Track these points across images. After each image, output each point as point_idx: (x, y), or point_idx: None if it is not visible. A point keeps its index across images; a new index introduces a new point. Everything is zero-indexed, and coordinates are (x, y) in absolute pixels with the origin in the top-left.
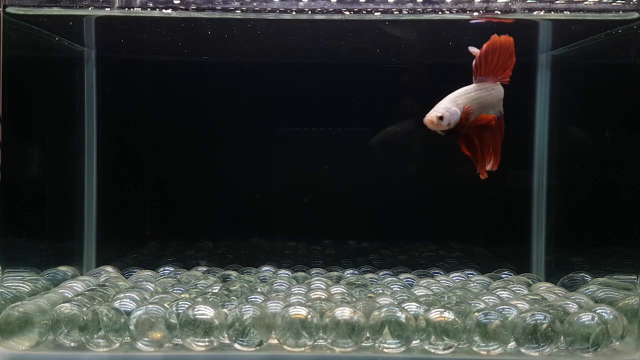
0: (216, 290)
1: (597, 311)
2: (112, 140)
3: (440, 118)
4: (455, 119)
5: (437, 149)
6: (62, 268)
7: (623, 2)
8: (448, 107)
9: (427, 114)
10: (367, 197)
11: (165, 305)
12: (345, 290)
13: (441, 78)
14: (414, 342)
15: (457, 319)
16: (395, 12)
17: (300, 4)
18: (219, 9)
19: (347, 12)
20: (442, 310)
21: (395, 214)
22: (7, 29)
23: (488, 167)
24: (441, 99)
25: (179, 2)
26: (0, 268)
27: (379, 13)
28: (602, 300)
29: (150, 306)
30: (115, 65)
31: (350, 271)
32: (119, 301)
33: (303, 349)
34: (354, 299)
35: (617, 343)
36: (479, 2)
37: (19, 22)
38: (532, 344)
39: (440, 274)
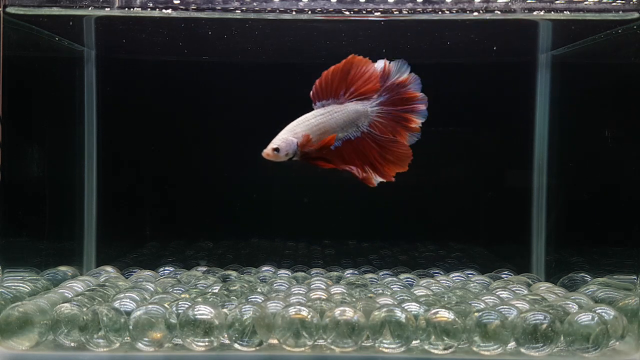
0: (216, 291)
1: (597, 311)
2: (112, 140)
3: (276, 150)
4: (294, 149)
5: (437, 149)
6: (62, 268)
7: (623, 2)
8: (285, 137)
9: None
10: (367, 197)
11: (165, 305)
12: (345, 291)
13: (441, 78)
14: (414, 342)
15: (457, 319)
16: (395, 12)
17: (300, 4)
18: (219, 9)
19: (347, 12)
20: (442, 310)
21: (395, 214)
22: (7, 29)
23: (377, 178)
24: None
25: (178, 2)
26: (0, 268)
27: (379, 13)
28: (602, 300)
29: (150, 306)
30: (115, 65)
31: (350, 271)
32: (119, 301)
33: (303, 349)
34: (354, 299)
35: (617, 343)
36: (479, 2)
37: (19, 22)
38: (532, 344)
39: (440, 274)
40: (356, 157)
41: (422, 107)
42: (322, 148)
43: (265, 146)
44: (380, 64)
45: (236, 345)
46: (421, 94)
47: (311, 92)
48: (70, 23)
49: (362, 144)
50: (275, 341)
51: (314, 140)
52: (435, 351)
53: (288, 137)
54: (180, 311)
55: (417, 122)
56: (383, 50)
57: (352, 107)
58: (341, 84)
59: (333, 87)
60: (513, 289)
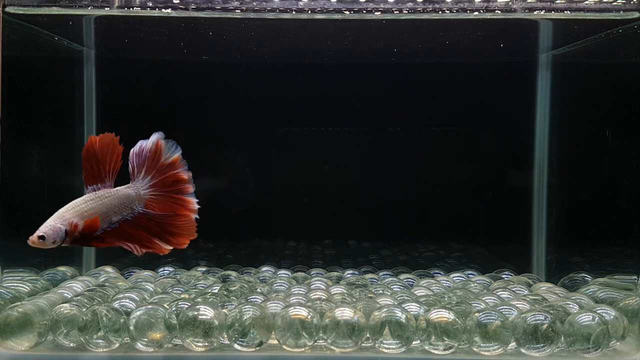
0: (216, 291)
1: (598, 311)
2: None
3: (42, 237)
4: (61, 236)
5: (437, 149)
6: (62, 268)
7: (624, 1)
8: (52, 224)
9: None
10: (367, 197)
11: (165, 305)
12: (345, 291)
13: (442, 78)
14: (414, 342)
15: (457, 319)
16: (395, 12)
17: (300, 3)
18: (218, 9)
19: (347, 12)
20: (443, 310)
21: (395, 214)
22: (7, 29)
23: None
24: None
25: (178, 1)
26: (0, 268)
27: (379, 13)
28: (602, 300)
29: (149, 306)
30: (114, 65)
31: (351, 271)
32: (118, 301)
33: (303, 349)
34: (354, 299)
35: (618, 343)
36: (480, 1)
37: (19, 22)
38: (533, 345)
39: (441, 274)
40: (137, 234)
41: (191, 189)
42: (90, 233)
43: (265, 146)
44: (147, 144)
45: (236, 346)
46: (189, 174)
47: (83, 176)
48: (70, 23)
49: (141, 222)
50: (275, 341)
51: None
52: (436, 351)
53: (56, 224)
54: (180, 311)
55: (193, 202)
56: (381, 49)
57: (123, 192)
58: (101, 168)
59: (99, 171)
60: (513, 289)
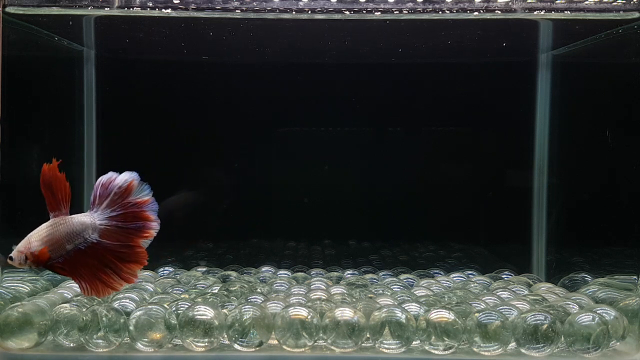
0: (216, 291)
1: (598, 311)
2: (112, 140)
3: (10, 258)
4: (23, 259)
5: (438, 149)
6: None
7: (624, 2)
8: (19, 247)
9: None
10: (367, 197)
11: (165, 305)
12: (345, 291)
13: (442, 78)
14: (414, 342)
15: (457, 319)
16: (395, 12)
17: (300, 3)
18: (218, 9)
19: (347, 12)
20: (443, 310)
21: (395, 214)
22: (7, 29)
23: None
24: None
25: (178, 1)
26: (0, 268)
27: (379, 13)
28: (602, 300)
29: (149, 306)
30: (114, 65)
31: (351, 271)
32: (118, 301)
33: (303, 349)
34: (354, 300)
35: (618, 343)
36: (480, 1)
37: (19, 22)
38: (533, 345)
39: (441, 274)
40: (91, 263)
41: (153, 230)
42: (43, 261)
43: (265, 146)
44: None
45: (236, 346)
46: (156, 218)
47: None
48: (70, 23)
49: (95, 251)
50: (275, 342)
51: (49, 250)
52: (436, 352)
53: (21, 247)
54: (180, 312)
55: (150, 234)
56: (381, 49)
57: (77, 220)
58: (54, 195)
59: (50, 199)
60: (513, 289)
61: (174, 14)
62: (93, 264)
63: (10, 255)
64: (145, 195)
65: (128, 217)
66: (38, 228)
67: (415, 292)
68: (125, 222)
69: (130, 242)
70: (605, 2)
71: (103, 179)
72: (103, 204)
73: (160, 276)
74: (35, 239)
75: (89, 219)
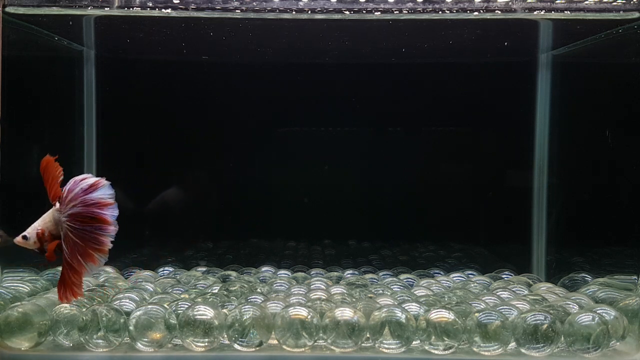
0: (216, 291)
1: (598, 311)
2: (112, 140)
3: (25, 237)
4: (35, 239)
5: (437, 149)
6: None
7: (624, 1)
8: (30, 230)
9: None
10: (367, 197)
11: (165, 305)
12: (345, 291)
13: (442, 78)
14: (414, 342)
15: (457, 319)
16: (395, 12)
17: (300, 3)
18: (218, 9)
19: (347, 12)
20: (443, 310)
21: (395, 214)
22: (7, 29)
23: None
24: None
25: (178, 1)
26: (0, 268)
27: (379, 13)
28: (602, 300)
29: (149, 306)
30: (114, 65)
31: (350, 271)
32: (118, 301)
33: (303, 349)
34: (354, 300)
35: (618, 343)
36: (480, 1)
37: (19, 22)
38: (533, 345)
39: (441, 274)
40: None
41: (111, 232)
42: (47, 240)
43: (265, 146)
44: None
45: (236, 346)
46: (114, 222)
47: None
48: (70, 23)
49: (66, 242)
50: (275, 341)
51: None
52: (436, 351)
53: (31, 230)
54: (180, 311)
55: (106, 245)
56: (381, 49)
57: (52, 209)
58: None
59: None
60: (513, 289)
61: (174, 14)
62: (67, 252)
63: (24, 234)
64: (108, 198)
65: (86, 215)
66: (42, 217)
67: (415, 292)
68: (83, 222)
69: (87, 246)
70: (605, 2)
71: (77, 177)
72: (68, 198)
73: (160, 276)
74: (40, 225)
75: (58, 213)
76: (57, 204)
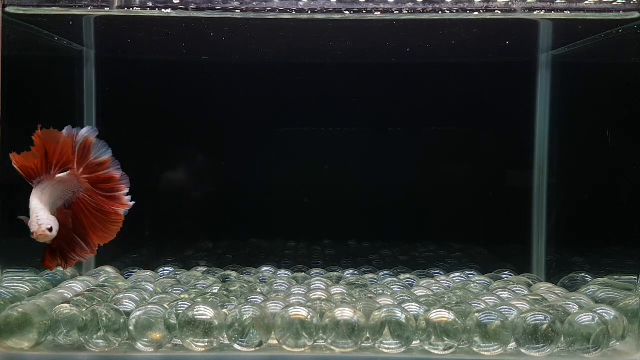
0: (216, 291)
1: (598, 311)
2: (111, 140)
3: (50, 229)
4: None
5: (438, 149)
6: (62, 268)
7: (624, 2)
8: (48, 216)
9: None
10: (367, 197)
11: (165, 305)
12: (345, 291)
13: (442, 78)
14: (414, 342)
15: (457, 319)
16: (395, 12)
17: (300, 3)
18: (218, 9)
19: (347, 12)
20: (443, 310)
21: (395, 214)
22: (7, 29)
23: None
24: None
25: (178, 1)
26: (0, 268)
27: (379, 13)
28: (602, 300)
29: (149, 307)
30: (114, 65)
31: (350, 271)
32: (118, 302)
33: (303, 349)
34: (354, 300)
35: (618, 343)
36: (480, 1)
37: (19, 22)
38: (533, 345)
39: (441, 274)
40: (81, 216)
41: (124, 188)
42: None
43: (265, 146)
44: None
45: (236, 346)
46: (123, 175)
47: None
48: (70, 23)
49: (77, 211)
50: (275, 342)
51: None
52: (436, 352)
53: (43, 220)
54: (179, 312)
55: (124, 205)
56: (381, 49)
57: (58, 177)
58: (42, 161)
59: (37, 165)
60: (513, 289)
61: (174, 14)
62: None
63: (50, 225)
64: (104, 154)
65: (99, 179)
66: (33, 204)
67: (415, 292)
68: (97, 187)
69: (108, 209)
70: (605, 2)
71: (64, 133)
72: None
73: (160, 276)
74: (47, 210)
75: (67, 175)
76: (61, 175)
